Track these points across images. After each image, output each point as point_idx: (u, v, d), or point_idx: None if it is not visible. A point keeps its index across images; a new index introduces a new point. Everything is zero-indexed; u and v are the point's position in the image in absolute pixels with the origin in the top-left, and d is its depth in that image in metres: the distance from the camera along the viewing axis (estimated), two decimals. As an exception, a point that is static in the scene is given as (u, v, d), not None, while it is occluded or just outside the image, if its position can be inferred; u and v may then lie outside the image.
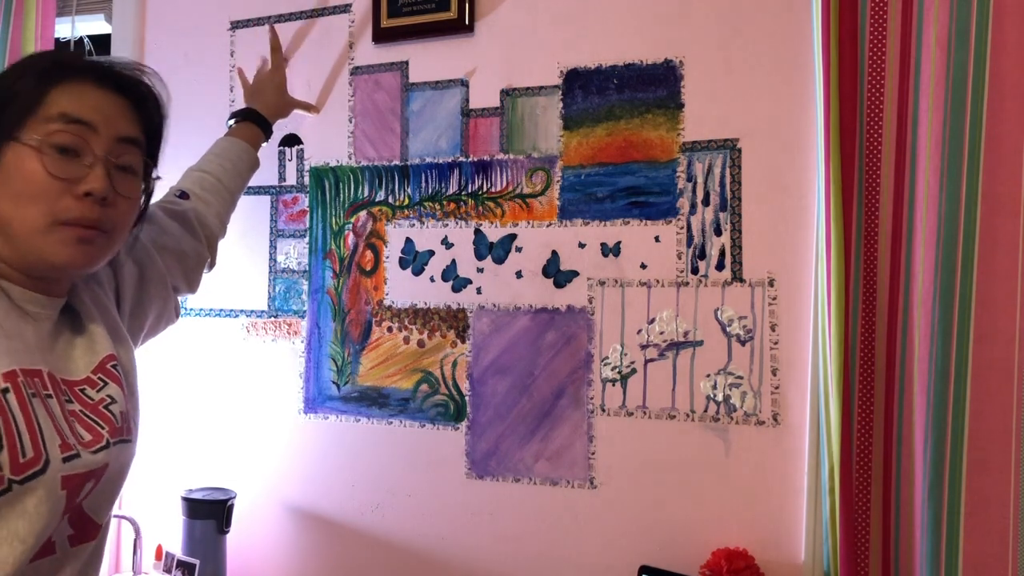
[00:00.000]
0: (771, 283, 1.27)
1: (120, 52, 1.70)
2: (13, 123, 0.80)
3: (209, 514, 1.46)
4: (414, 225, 1.47)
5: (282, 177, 1.58)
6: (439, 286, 1.45)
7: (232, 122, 1.42)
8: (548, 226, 1.39)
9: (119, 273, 1.00)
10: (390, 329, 1.48)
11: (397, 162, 1.49)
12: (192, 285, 1.16)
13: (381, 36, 1.49)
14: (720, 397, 1.28)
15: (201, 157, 1.31)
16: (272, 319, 1.57)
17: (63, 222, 0.80)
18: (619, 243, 1.35)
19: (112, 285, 0.99)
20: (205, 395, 1.61)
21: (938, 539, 1.09)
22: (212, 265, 1.23)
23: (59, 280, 0.87)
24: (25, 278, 0.83)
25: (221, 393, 1.60)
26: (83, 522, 0.85)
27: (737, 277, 1.28)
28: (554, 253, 1.38)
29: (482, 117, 1.44)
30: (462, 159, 1.45)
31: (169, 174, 1.64)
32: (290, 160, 1.57)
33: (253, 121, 1.41)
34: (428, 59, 1.48)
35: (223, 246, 1.28)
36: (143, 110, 0.89)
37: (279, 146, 1.58)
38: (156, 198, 1.07)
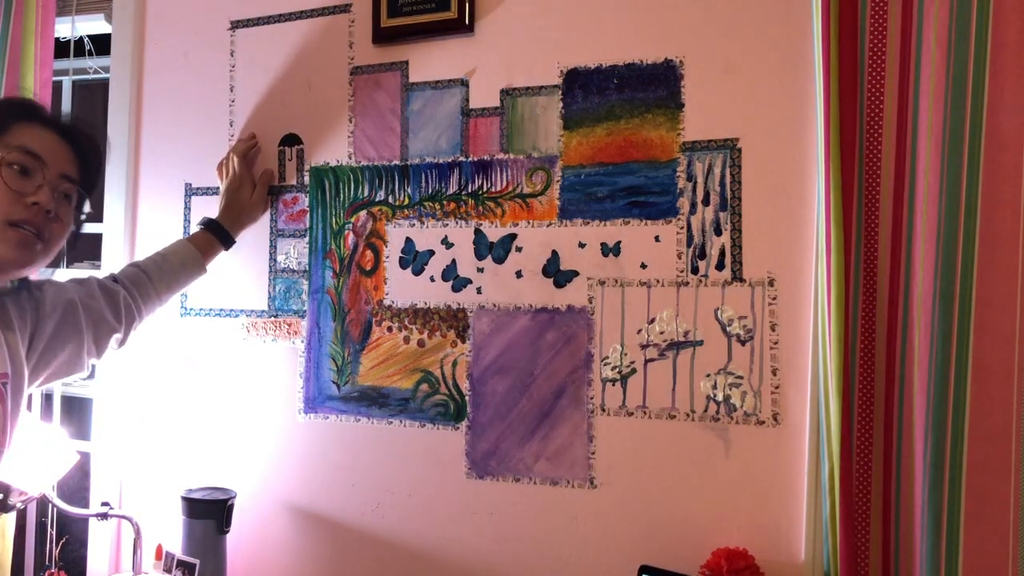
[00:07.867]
0: (771, 283, 1.27)
1: (120, 52, 1.70)
2: None
3: (209, 514, 1.46)
4: (414, 225, 1.47)
5: (282, 177, 1.58)
6: (439, 286, 1.45)
7: (199, 226, 1.51)
8: (548, 226, 1.39)
9: (42, 314, 1.15)
10: (390, 329, 1.48)
11: (397, 162, 1.49)
12: (99, 351, 1.28)
13: (381, 36, 1.49)
14: (720, 397, 1.28)
15: (150, 255, 1.42)
16: (272, 319, 1.57)
17: (12, 223, 1.00)
18: (619, 243, 1.35)
19: (33, 322, 1.12)
20: (205, 395, 1.61)
21: (938, 539, 1.09)
22: (122, 343, 1.33)
23: None
24: None
25: (221, 393, 1.60)
26: None
27: (737, 277, 1.28)
28: (554, 253, 1.38)
29: (482, 117, 1.44)
30: (462, 159, 1.45)
31: (170, 169, 1.66)
32: (290, 160, 1.57)
33: (214, 231, 1.49)
34: (428, 59, 1.48)
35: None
36: (84, 157, 1.11)
37: (279, 146, 1.58)
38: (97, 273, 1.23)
